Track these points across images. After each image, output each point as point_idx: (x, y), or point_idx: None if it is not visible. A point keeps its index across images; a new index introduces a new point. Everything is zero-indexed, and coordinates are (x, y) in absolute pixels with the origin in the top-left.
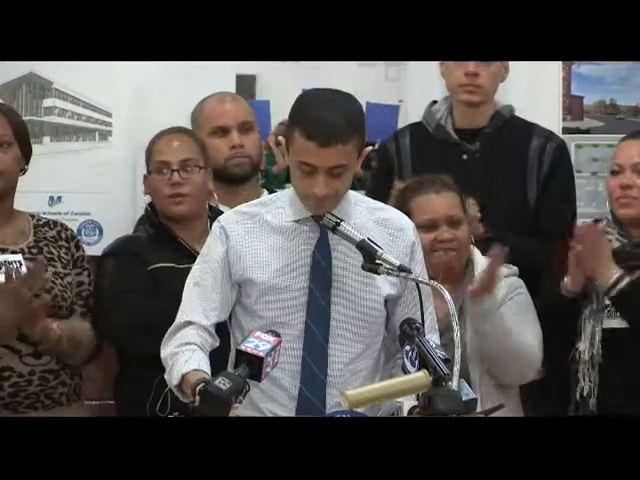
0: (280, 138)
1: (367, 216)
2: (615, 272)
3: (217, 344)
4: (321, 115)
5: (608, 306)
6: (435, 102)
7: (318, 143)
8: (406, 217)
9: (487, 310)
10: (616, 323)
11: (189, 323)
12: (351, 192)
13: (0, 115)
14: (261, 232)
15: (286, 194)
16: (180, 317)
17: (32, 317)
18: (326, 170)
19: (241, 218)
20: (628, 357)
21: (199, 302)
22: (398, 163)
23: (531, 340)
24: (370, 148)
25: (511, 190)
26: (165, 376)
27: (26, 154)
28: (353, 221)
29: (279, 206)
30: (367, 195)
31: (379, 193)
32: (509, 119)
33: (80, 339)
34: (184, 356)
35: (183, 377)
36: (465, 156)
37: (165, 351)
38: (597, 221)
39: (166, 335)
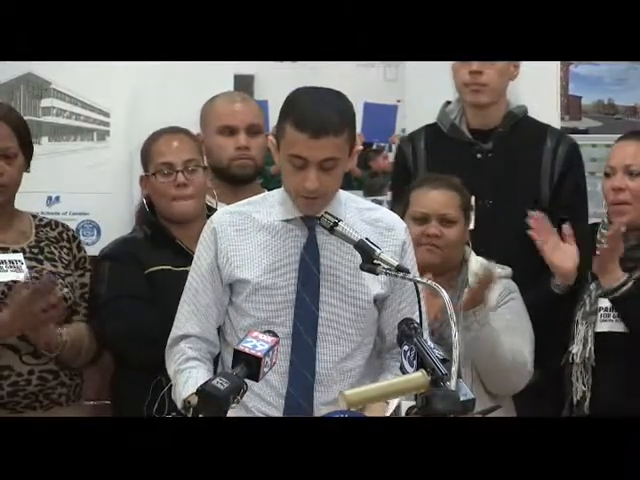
0: (270, 137)
1: (357, 216)
2: (621, 275)
3: (217, 351)
4: (312, 108)
5: (601, 309)
6: (449, 102)
7: (309, 134)
8: (397, 217)
9: (481, 319)
10: (608, 326)
11: (183, 337)
12: (341, 192)
13: (3, 124)
14: (250, 230)
15: (277, 193)
16: (174, 331)
17: (38, 326)
18: (317, 163)
19: (230, 218)
20: (621, 360)
21: (192, 313)
22: (414, 164)
23: (522, 350)
24: (361, 147)
25: (524, 189)
26: (172, 397)
27: (29, 156)
28: (343, 220)
29: (269, 205)
30: (364, 195)
31: (397, 195)
32: (522, 119)
33: (82, 344)
34: (183, 377)
35: (185, 402)
36: (479, 155)
37: (169, 370)
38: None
39: (166, 349)
